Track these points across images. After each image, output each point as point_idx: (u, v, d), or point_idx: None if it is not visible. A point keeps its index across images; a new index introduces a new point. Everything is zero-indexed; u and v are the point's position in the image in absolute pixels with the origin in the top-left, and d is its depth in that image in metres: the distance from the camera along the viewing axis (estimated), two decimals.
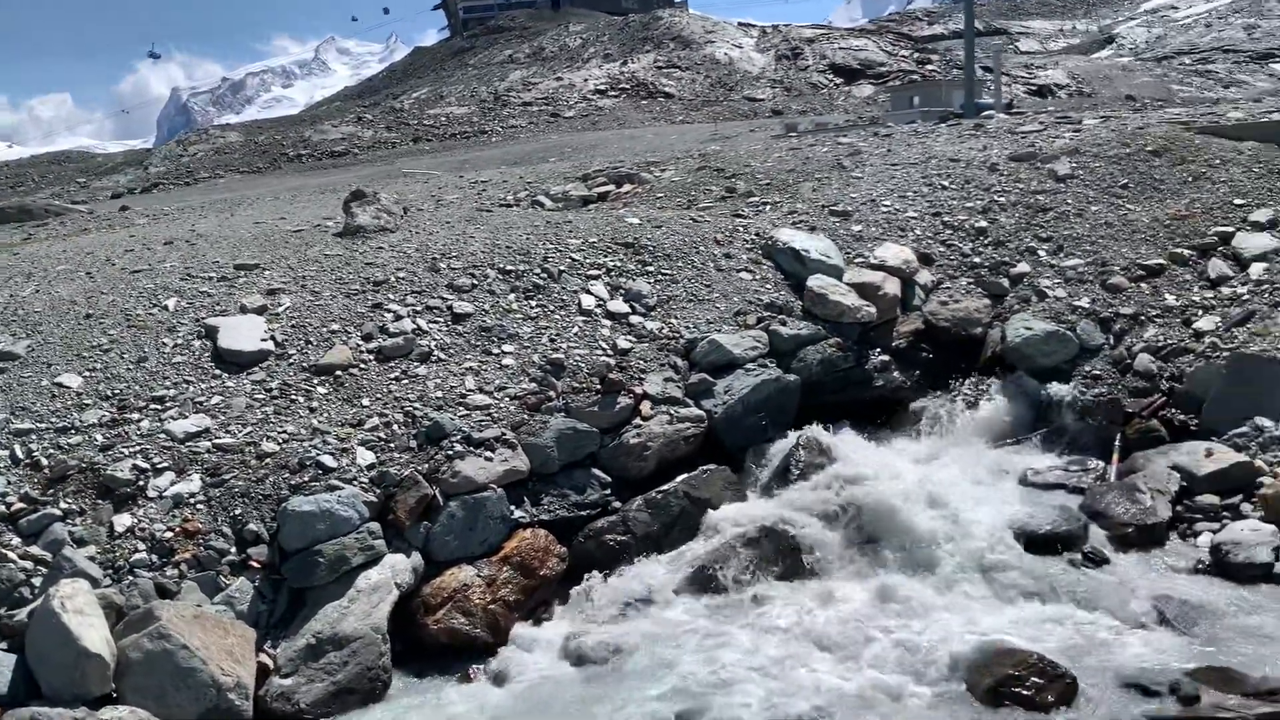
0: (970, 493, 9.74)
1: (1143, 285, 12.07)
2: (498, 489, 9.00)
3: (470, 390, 9.78)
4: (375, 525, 8.34)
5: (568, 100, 54.58)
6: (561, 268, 11.75)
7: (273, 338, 9.92)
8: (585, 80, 57.56)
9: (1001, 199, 13.93)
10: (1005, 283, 12.60)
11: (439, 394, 9.63)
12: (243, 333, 9.90)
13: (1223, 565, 8.30)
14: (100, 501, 8.03)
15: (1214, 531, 8.77)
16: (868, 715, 6.85)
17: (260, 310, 10.33)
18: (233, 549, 7.94)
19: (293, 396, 9.25)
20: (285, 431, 8.82)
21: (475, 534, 8.76)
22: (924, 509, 9.33)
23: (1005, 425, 11.22)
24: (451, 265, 11.53)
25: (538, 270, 11.63)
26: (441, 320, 10.63)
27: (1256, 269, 11.58)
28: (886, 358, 11.73)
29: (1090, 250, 12.78)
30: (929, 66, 57.79)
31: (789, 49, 60.86)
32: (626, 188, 16.33)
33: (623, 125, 47.12)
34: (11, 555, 7.47)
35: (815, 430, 10.32)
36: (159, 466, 8.35)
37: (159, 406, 8.94)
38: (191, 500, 8.14)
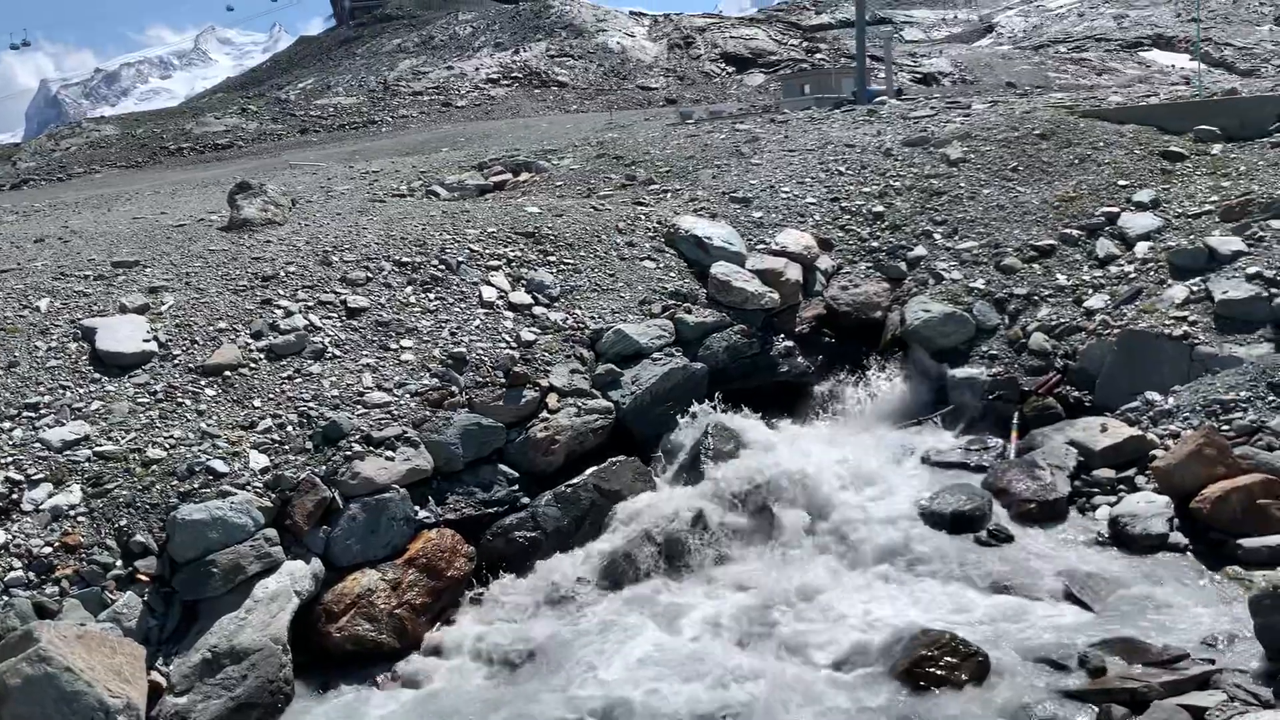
0: (876, 475, 9.83)
1: (1035, 266, 12.34)
2: (400, 489, 8.70)
3: (368, 388, 9.42)
4: (271, 531, 7.95)
5: (459, 89, 53.71)
6: (460, 259, 11.44)
7: (156, 338, 9.38)
8: (477, 69, 56.72)
9: (896, 183, 14.10)
10: (903, 266, 12.76)
11: (335, 392, 9.25)
12: (123, 334, 9.33)
13: (1121, 537, 8.50)
14: None
15: (1111, 505, 8.98)
16: (787, 703, 6.79)
17: (141, 309, 9.77)
18: (118, 562, 7.47)
19: (179, 399, 8.76)
20: (172, 436, 8.35)
21: (378, 537, 8.44)
22: (832, 493, 9.38)
23: (907, 406, 11.39)
24: (344, 258, 11.12)
25: (435, 262, 11.30)
26: (335, 315, 10.23)
27: (1142, 248, 11.94)
28: (790, 343, 11.76)
29: (984, 232, 13.02)
30: (818, 55, 58.60)
31: (681, 38, 61.00)
32: (524, 176, 16.05)
33: (516, 114, 46.58)
34: None
35: (723, 417, 10.27)
36: (34, 478, 7.80)
37: (33, 414, 8.36)
38: (72, 512, 7.63)
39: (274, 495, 8.13)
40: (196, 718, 7.03)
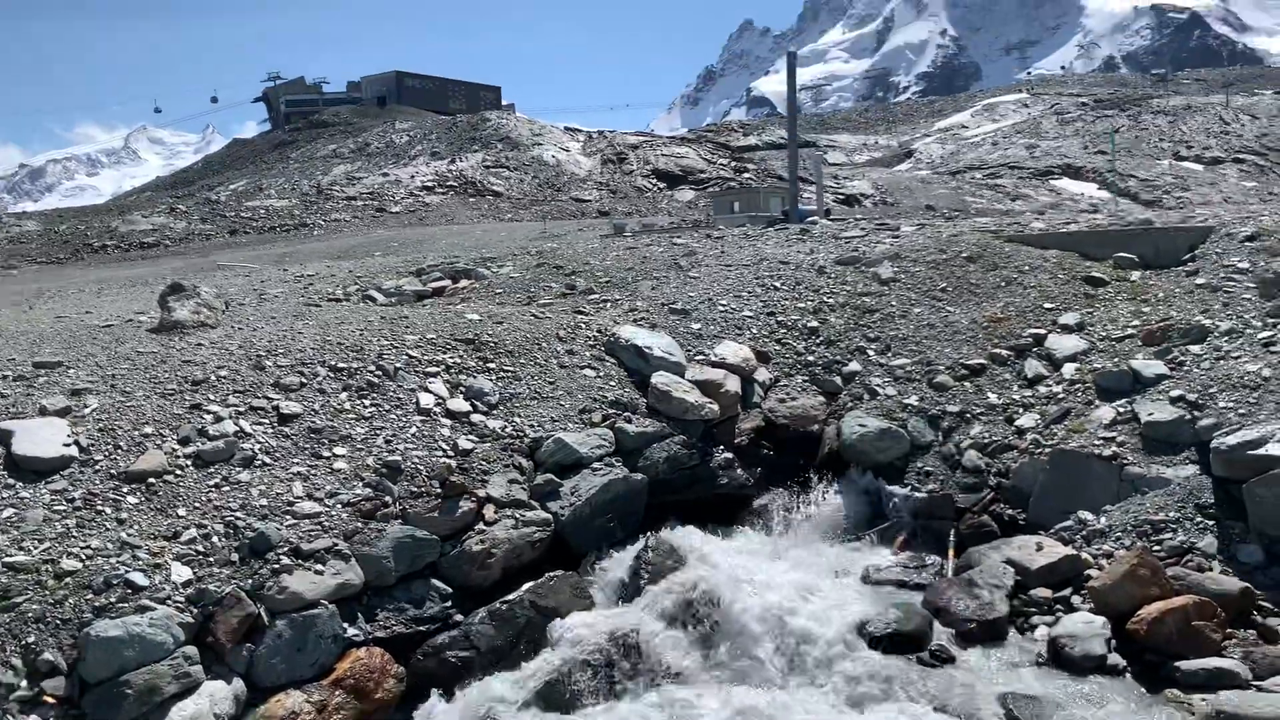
0: (816, 592, 9.72)
1: (967, 384, 12.59)
2: (329, 605, 8.36)
3: (298, 497, 9.12)
4: (192, 649, 7.54)
5: (394, 195, 54.02)
6: (398, 365, 11.28)
7: (77, 442, 9.00)
8: (413, 177, 57.22)
9: (831, 300, 14.39)
10: (839, 380, 12.93)
11: (264, 502, 8.93)
12: (41, 437, 8.93)
13: (1060, 658, 8.47)
14: None
15: (1049, 625, 8.98)
16: None
17: (63, 412, 9.39)
18: (24, 683, 6.99)
19: (99, 507, 8.36)
20: (89, 547, 7.93)
21: (304, 655, 8.06)
22: (774, 611, 9.22)
23: (845, 522, 11.38)
24: (278, 362, 10.88)
25: (372, 367, 11.13)
26: (267, 421, 9.95)
27: (1069, 369, 12.28)
28: (730, 455, 11.75)
29: (916, 350, 13.29)
30: (746, 174, 60.48)
31: (614, 154, 62.50)
32: (463, 283, 16.03)
33: (451, 221, 46.90)
34: None
35: (663, 531, 10.12)
36: None
37: None
38: None
39: (196, 610, 7.75)
40: None
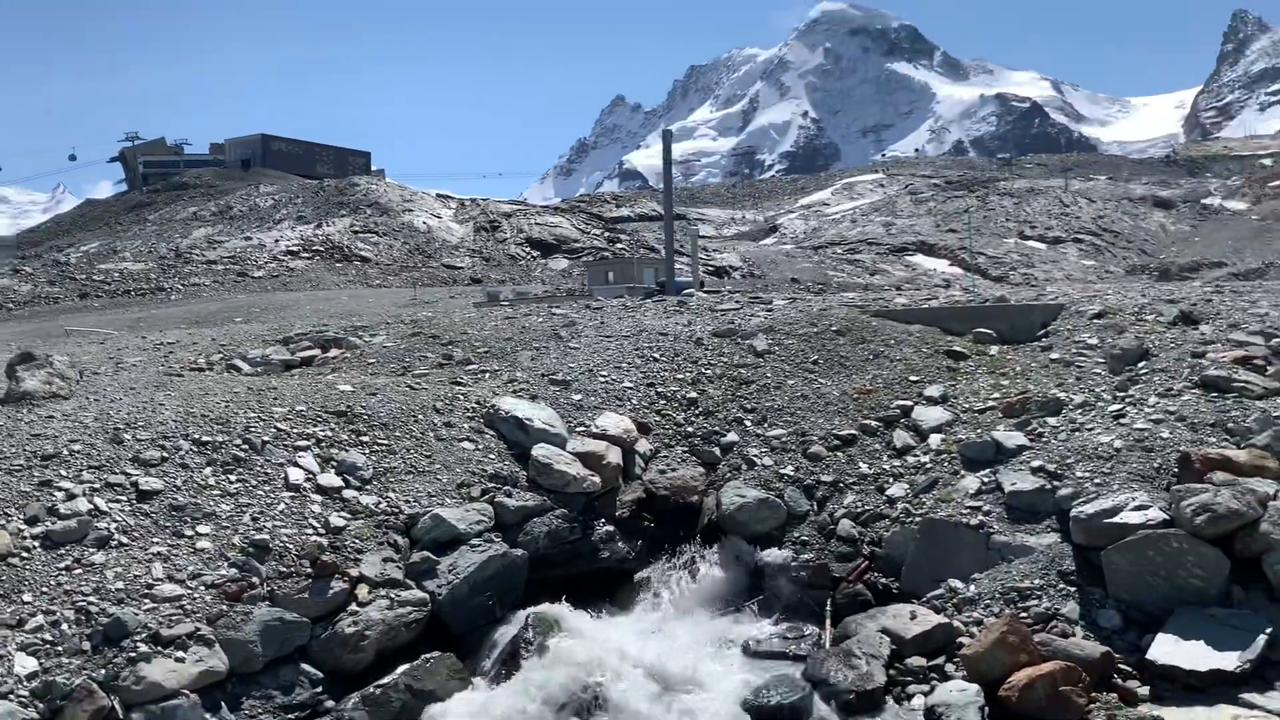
0: (698, 666, 9.68)
1: (839, 454, 12.87)
2: (190, 694, 7.90)
3: (158, 579, 8.62)
4: None
5: (257, 260, 52.57)
6: (265, 438, 10.86)
7: None
8: (277, 241, 55.84)
9: (709, 371, 14.59)
10: (717, 451, 13.05)
11: (120, 585, 8.40)
12: None
13: None
14: None
15: (925, 694, 9.14)
16: None
17: None
18: None
19: None
20: None
21: None
22: (655, 689, 9.14)
23: (726, 592, 11.41)
24: (138, 436, 10.33)
25: (238, 441, 10.67)
26: (125, 499, 9.40)
27: (935, 439, 12.71)
28: (611, 528, 11.67)
29: (791, 420, 13.55)
30: (619, 245, 61.24)
31: (487, 221, 62.47)
32: (334, 352, 15.61)
33: (317, 287, 45.88)
34: None
35: (544, 607, 9.95)
36: None
37: None
38: None
39: (42, 705, 7.19)
40: None
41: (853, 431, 13.24)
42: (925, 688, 9.29)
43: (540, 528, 11.00)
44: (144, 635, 7.98)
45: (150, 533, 9.11)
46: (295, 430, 11.18)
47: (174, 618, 8.27)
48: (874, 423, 13.36)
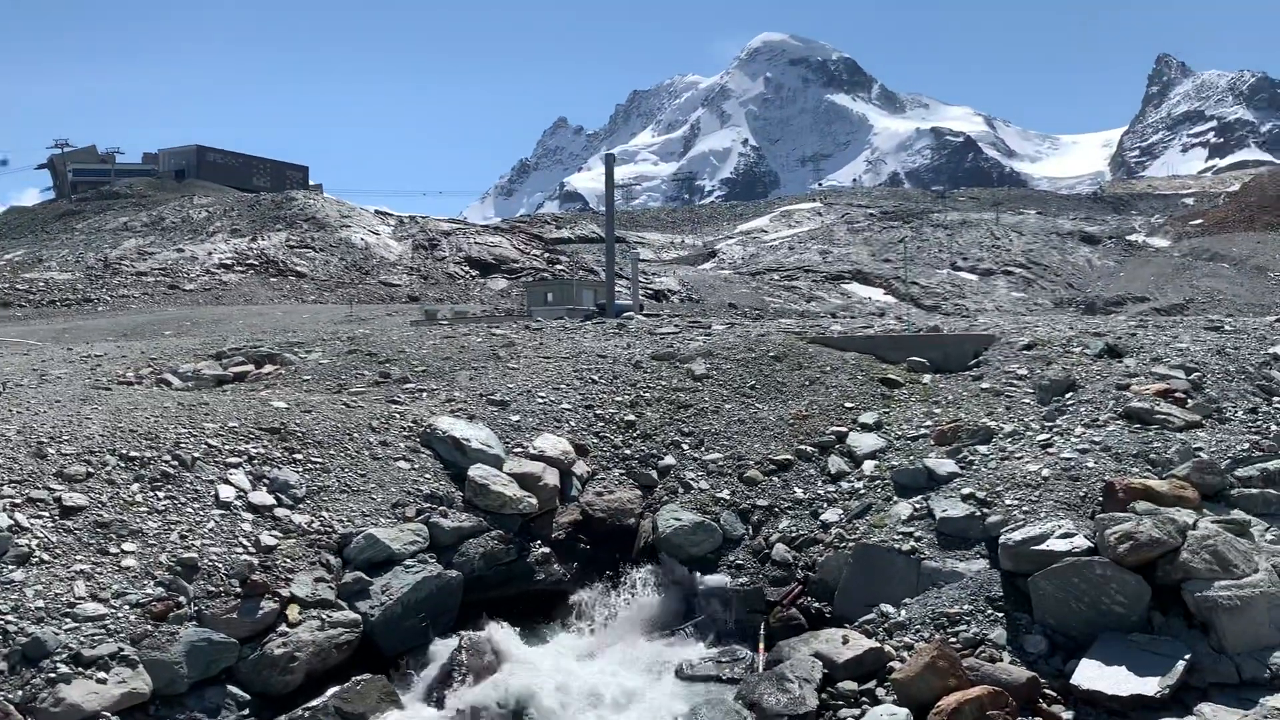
0: (632, 690, 9.68)
1: (775, 478, 12.99)
2: (112, 716, 7.69)
3: (81, 598, 8.38)
4: None
5: (189, 272, 51.61)
6: (196, 454, 10.64)
7: None
8: (210, 254, 54.90)
9: (647, 394, 14.64)
10: (654, 474, 13.09)
11: (40, 604, 8.16)
12: None
13: None
14: None
15: (856, 718, 9.21)
16: None
17: None
18: None
19: None
20: None
21: None
22: (589, 712, 9.11)
23: (661, 615, 11.42)
24: (62, 450, 10.05)
25: (168, 457, 10.45)
26: (47, 515, 9.13)
27: (869, 465, 12.89)
28: (547, 550, 11.62)
29: (728, 445, 13.64)
30: (559, 266, 61.28)
31: (426, 239, 62.10)
32: (268, 368, 15.36)
33: (250, 301, 45.16)
34: None
35: (478, 630, 9.87)
36: None
37: None
38: None
39: None
40: None
41: (788, 456, 13.38)
42: (856, 711, 9.38)
43: (475, 549, 10.92)
44: (64, 655, 7.75)
45: (73, 550, 8.86)
46: (227, 447, 10.97)
47: (96, 637, 8.04)
48: (809, 448, 13.50)
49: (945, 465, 12.13)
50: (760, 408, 14.66)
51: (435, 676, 9.48)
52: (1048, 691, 8.97)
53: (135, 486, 9.91)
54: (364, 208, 69.19)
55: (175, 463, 10.39)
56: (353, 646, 9.37)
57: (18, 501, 9.10)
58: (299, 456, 11.24)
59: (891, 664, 9.75)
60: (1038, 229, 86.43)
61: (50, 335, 26.11)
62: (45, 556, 8.64)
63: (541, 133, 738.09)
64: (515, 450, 12.49)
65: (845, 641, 10.19)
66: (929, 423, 13.60)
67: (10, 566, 8.40)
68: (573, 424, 13.57)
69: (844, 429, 13.85)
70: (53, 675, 7.56)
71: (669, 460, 13.30)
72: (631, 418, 14.01)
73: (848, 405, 14.59)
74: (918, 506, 11.61)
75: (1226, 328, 17.20)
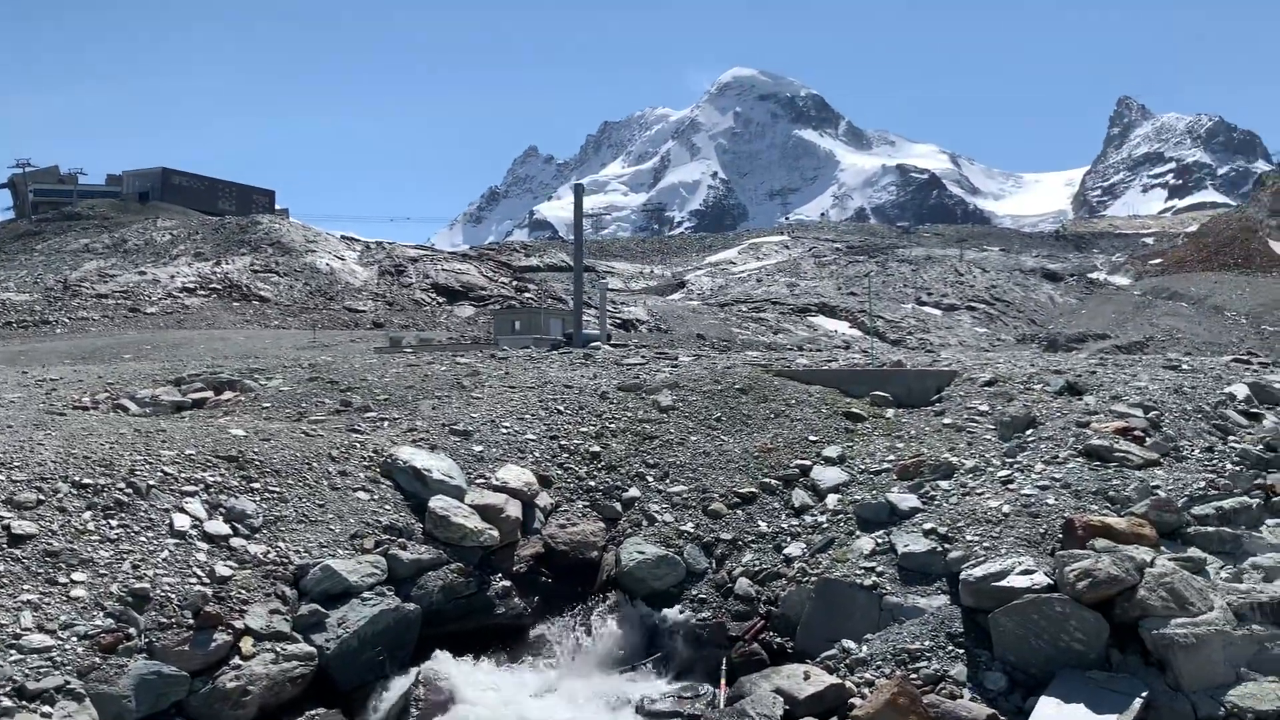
0: None
1: (739, 511, 12.97)
2: None
3: (27, 628, 8.18)
4: None
5: (150, 295, 51.03)
6: (151, 482, 10.46)
7: None
8: (173, 277, 54.35)
9: (612, 425, 14.60)
10: (618, 506, 13.03)
11: None
12: None
13: None
14: None
15: None
16: None
17: None
18: None
19: None
20: None
21: None
22: None
23: (622, 650, 11.32)
24: (13, 476, 9.84)
25: (122, 484, 10.25)
26: None
27: (832, 500, 12.90)
28: (508, 583, 11.51)
29: (692, 477, 13.62)
30: (527, 294, 61.21)
31: (393, 265, 61.82)
32: (227, 395, 15.17)
33: (212, 325, 44.71)
34: None
35: (436, 664, 9.72)
36: None
37: None
38: None
39: None
40: None
41: (753, 489, 13.36)
42: None
43: (435, 582, 10.79)
44: (8, 688, 7.54)
45: (20, 579, 8.65)
46: (183, 475, 10.79)
47: (42, 670, 7.84)
48: (774, 481, 13.50)
49: (908, 500, 12.16)
50: (726, 440, 14.65)
51: (391, 710, 9.34)
52: None
53: (87, 514, 9.71)
54: (330, 233, 68.85)
55: (130, 490, 10.20)
56: (307, 680, 9.21)
57: None
58: (256, 485, 11.08)
59: (852, 700, 9.70)
60: (1001, 266, 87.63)
61: (5, 358, 25.66)
62: None
63: (512, 161, 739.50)
64: (478, 481, 12.39)
65: (807, 677, 10.13)
66: (892, 457, 13.65)
67: None
68: (537, 455, 13.49)
69: (808, 462, 13.87)
70: None
71: (633, 492, 13.25)
72: (596, 449, 13.95)
73: (812, 438, 14.62)
74: (880, 541, 11.62)
75: (1184, 367, 17.46)
